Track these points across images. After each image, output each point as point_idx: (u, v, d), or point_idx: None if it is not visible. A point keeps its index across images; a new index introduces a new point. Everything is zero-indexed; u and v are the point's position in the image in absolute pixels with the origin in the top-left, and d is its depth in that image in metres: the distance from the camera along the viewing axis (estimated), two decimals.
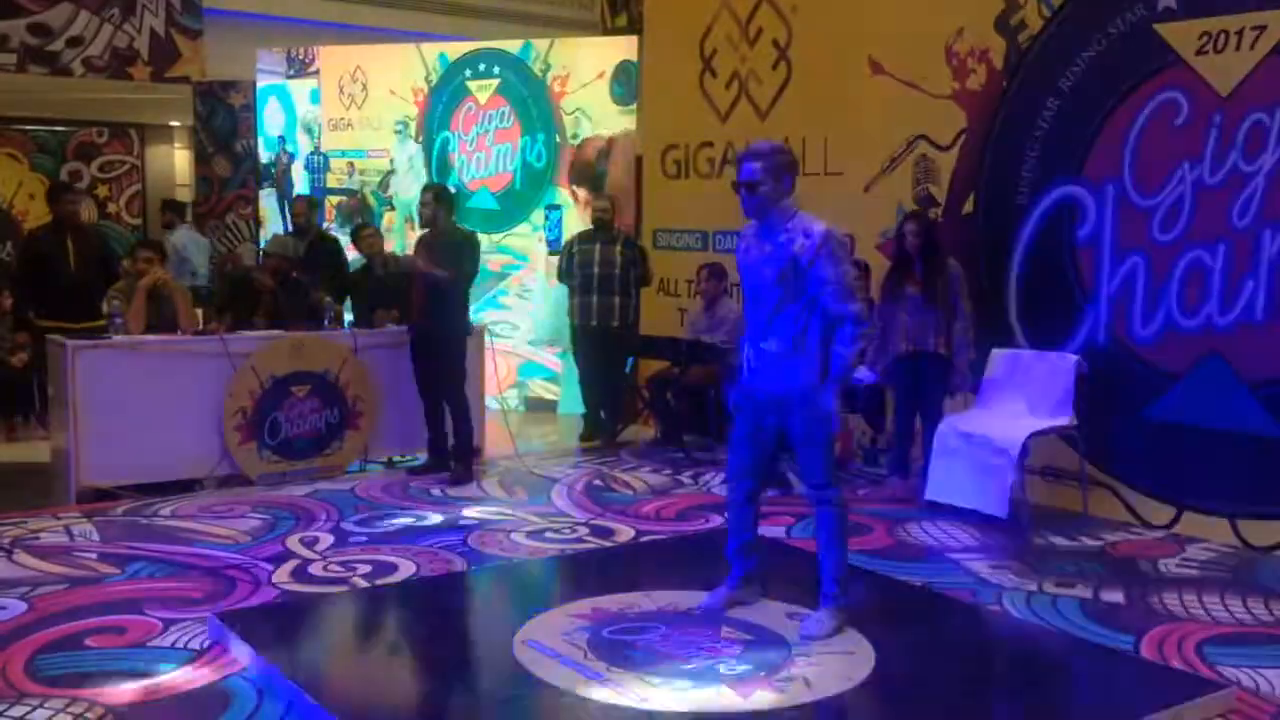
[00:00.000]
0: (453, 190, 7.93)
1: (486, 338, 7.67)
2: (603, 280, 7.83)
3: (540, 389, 9.33)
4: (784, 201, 4.08)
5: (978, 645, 4.35)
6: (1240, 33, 5.42)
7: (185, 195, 12.60)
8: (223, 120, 11.06)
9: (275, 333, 6.82)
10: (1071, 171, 6.12)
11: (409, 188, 9.55)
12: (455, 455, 6.81)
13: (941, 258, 6.20)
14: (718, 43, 8.16)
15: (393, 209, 9.91)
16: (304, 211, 8.66)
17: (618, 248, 7.92)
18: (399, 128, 9.75)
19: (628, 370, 8.34)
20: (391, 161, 9.88)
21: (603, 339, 7.89)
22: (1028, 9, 6.29)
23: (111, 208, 12.59)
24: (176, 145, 13.77)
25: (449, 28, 12.19)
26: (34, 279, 7.39)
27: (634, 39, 9.07)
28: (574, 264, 7.92)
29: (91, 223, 8.12)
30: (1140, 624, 4.43)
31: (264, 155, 10.59)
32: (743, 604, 4.38)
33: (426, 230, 6.79)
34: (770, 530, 5.58)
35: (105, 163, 12.62)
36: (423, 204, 6.70)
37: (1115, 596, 4.77)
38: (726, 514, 4.54)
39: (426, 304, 6.66)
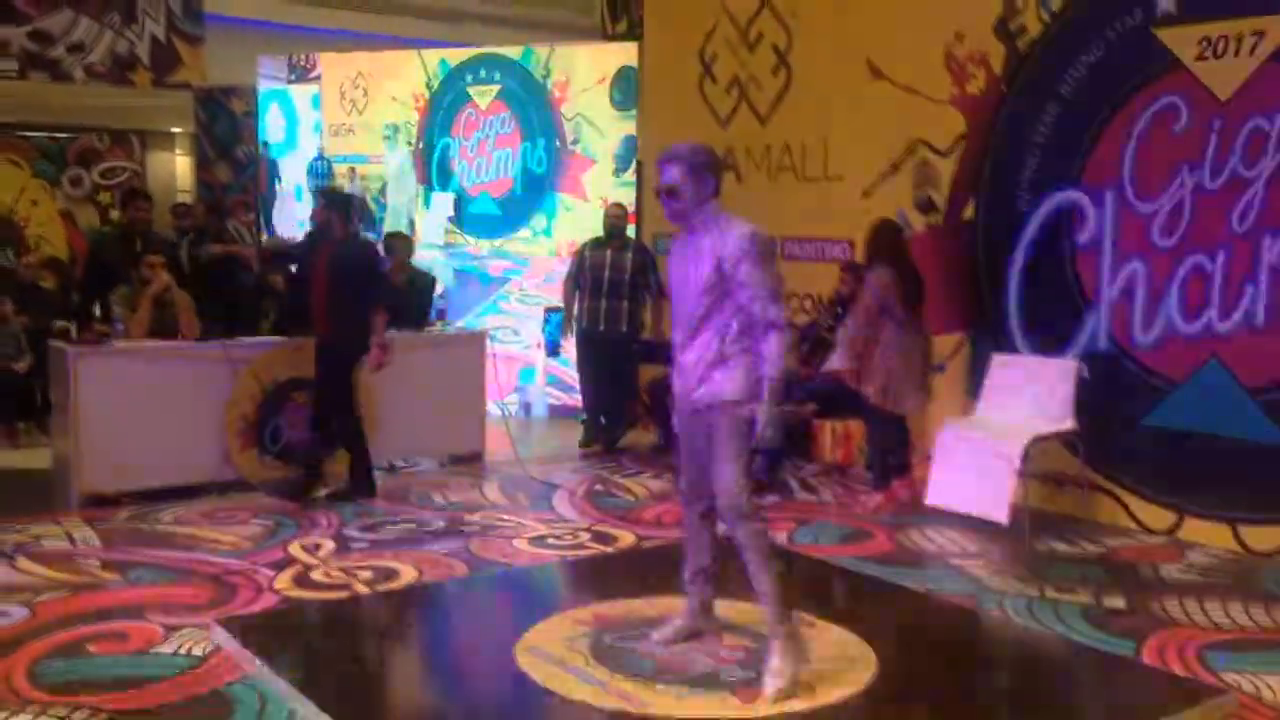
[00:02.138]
0: (354, 196, 7.74)
1: (488, 342, 7.67)
2: (613, 285, 7.81)
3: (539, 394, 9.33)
4: (708, 205, 3.91)
5: (979, 651, 4.36)
6: (1240, 38, 5.43)
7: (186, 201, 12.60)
8: (224, 126, 11.06)
9: (276, 339, 6.83)
10: (1071, 176, 6.12)
11: (399, 193, 9.60)
12: (351, 472, 6.46)
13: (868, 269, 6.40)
14: (718, 48, 8.17)
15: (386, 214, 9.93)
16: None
17: (629, 254, 7.92)
18: (387, 133, 9.75)
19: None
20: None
21: (610, 344, 7.88)
22: (1027, 14, 6.30)
23: (114, 214, 12.59)
24: (178, 151, 13.74)
25: (450, 34, 12.18)
26: (101, 285, 7.14)
27: (634, 45, 9.08)
28: (585, 268, 7.91)
29: (161, 230, 7.81)
30: (1142, 629, 4.43)
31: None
32: (699, 637, 4.08)
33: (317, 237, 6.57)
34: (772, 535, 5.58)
35: (107, 169, 12.60)
36: (314, 210, 6.50)
37: (1117, 602, 4.77)
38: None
39: (325, 314, 6.29)
